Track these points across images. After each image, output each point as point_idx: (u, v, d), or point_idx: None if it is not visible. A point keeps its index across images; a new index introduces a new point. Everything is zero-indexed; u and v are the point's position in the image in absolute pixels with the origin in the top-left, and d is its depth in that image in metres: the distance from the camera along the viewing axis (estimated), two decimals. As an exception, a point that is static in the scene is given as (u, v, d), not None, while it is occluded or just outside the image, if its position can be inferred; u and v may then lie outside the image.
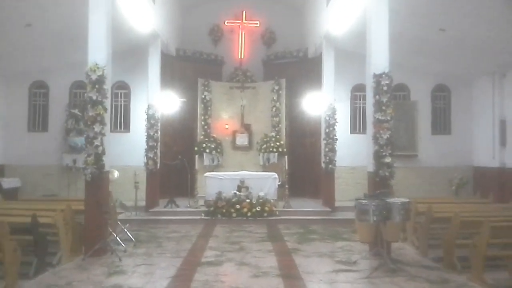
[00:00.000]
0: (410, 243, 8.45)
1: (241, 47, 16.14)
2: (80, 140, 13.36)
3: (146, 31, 11.27)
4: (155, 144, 11.98)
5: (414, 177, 13.82)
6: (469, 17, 9.84)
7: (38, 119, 14.10)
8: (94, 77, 7.41)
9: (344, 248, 8.34)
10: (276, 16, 16.09)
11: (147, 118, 11.96)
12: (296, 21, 15.91)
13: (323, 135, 12.25)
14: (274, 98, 14.57)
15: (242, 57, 15.99)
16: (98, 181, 7.49)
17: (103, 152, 7.47)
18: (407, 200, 6.59)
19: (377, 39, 7.75)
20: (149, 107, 11.99)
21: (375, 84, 7.53)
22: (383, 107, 7.45)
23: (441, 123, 14.46)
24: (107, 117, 7.65)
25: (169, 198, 11.90)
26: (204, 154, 14.03)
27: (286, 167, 12.19)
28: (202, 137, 14.35)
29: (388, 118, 7.45)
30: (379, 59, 7.68)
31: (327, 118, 12.05)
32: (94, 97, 7.38)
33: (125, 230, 8.58)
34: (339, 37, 11.77)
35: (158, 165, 12.13)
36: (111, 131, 14.03)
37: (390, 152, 7.42)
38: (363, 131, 14.26)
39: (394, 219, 6.45)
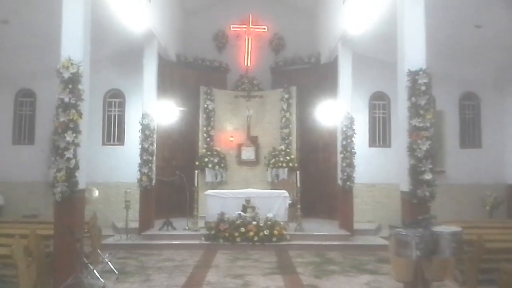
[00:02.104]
0: (450, 277, 6.92)
1: (247, 54, 14.88)
2: (69, 154, 12.09)
3: (140, 30, 9.97)
4: (150, 158, 10.60)
5: (441, 196, 12.09)
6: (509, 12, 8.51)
7: (24, 130, 12.81)
8: (66, 75, 6.11)
9: (372, 284, 6.85)
10: (285, 20, 14.83)
11: (141, 129, 10.61)
12: (307, 25, 14.62)
13: (339, 148, 10.82)
14: (284, 107, 13.20)
15: (249, 64, 14.71)
16: (70, 202, 6.11)
17: (76, 167, 6.11)
18: (459, 229, 5.10)
19: (412, 28, 6.40)
20: (143, 116, 10.65)
21: (411, 84, 6.15)
22: (421, 111, 6.05)
23: (470, 135, 12.98)
24: (82, 124, 6.31)
25: (165, 219, 10.48)
26: (206, 169, 12.67)
27: (298, 184, 10.73)
28: (204, 150, 12.98)
29: (428, 125, 6.05)
30: (414, 53, 6.33)
31: (344, 129, 10.64)
32: (67, 99, 6.07)
33: (107, 260, 7.13)
34: (356, 39, 10.43)
35: (154, 181, 10.74)
36: (103, 144, 13.26)
37: (430, 167, 5.97)
38: (383, 144, 12.95)
39: (443, 253, 4.96)
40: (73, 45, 6.31)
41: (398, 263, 5.46)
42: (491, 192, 11.96)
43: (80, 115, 6.16)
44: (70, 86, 6.08)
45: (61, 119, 6.03)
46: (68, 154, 6.01)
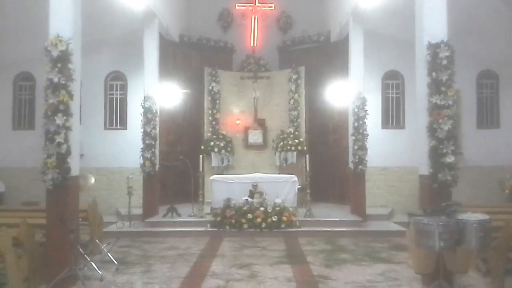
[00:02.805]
0: (473, 267, 6.44)
1: (253, 33, 14.23)
2: (70, 139, 11.71)
3: (139, 9, 9.48)
4: (153, 143, 10.17)
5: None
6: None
7: (24, 115, 12.48)
8: (55, 53, 5.62)
9: (387, 275, 6.38)
10: (293, -3, 14.16)
11: (143, 112, 10.16)
12: (316, 1, 13.90)
13: (351, 130, 10.28)
14: (292, 88, 12.64)
15: (255, 44, 14.08)
16: (62, 190, 5.69)
17: (68, 152, 5.67)
18: (486, 217, 4.60)
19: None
20: (145, 99, 10.19)
21: (431, 58, 5.58)
22: (442, 88, 5.49)
23: (488, 115, 12.35)
24: (74, 106, 5.84)
25: (170, 205, 10.10)
26: (212, 153, 12.19)
27: (307, 168, 10.23)
28: (209, 134, 12.51)
29: (450, 102, 5.50)
30: (434, 24, 5.74)
31: (356, 110, 10.08)
32: (56, 79, 5.58)
33: (105, 250, 6.74)
34: (368, 13, 9.83)
35: (157, 167, 10.33)
36: (105, 128, 12.86)
37: (452, 148, 5.44)
38: (397, 125, 12.38)
39: (469, 244, 4.49)
40: (61, 21, 5.82)
41: (418, 254, 5.01)
42: (510, 175, 11.37)
43: (71, 96, 5.68)
44: (59, 65, 5.60)
45: (51, 101, 5.56)
46: (59, 138, 5.56)
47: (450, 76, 5.51)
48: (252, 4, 14.21)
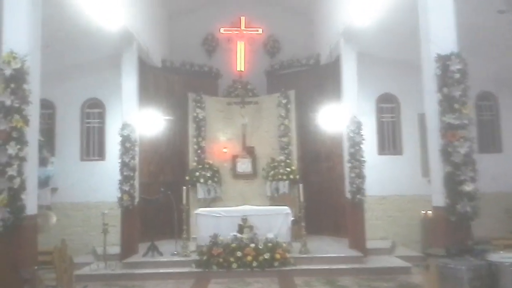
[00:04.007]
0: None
1: (240, 58, 13.65)
2: (44, 172, 10.82)
3: (116, 29, 8.78)
4: (132, 174, 9.30)
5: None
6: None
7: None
8: (8, 71, 4.83)
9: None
10: (280, 21, 13.69)
11: (121, 141, 9.33)
12: (304, 25, 13.46)
13: (346, 157, 9.54)
14: (282, 114, 11.95)
15: (242, 69, 13.48)
16: (14, 232, 4.79)
17: (22, 187, 4.81)
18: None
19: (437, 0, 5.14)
20: (123, 126, 9.38)
21: (441, 71, 4.93)
22: (456, 105, 4.79)
23: (489, 139, 11.72)
24: (31, 132, 5.01)
25: (151, 243, 9.15)
26: (198, 184, 11.36)
27: (301, 199, 9.41)
28: (195, 164, 11.68)
29: (465, 121, 4.79)
30: (442, 33, 5.10)
31: (351, 135, 9.37)
32: (8, 102, 4.78)
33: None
34: (360, 33, 9.27)
35: (136, 200, 9.42)
36: (81, 159, 11.93)
37: (472, 175, 4.70)
38: (394, 151, 11.68)
39: (505, 291, 3.69)
40: (16, 34, 5.04)
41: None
42: (515, 202, 10.68)
43: (26, 121, 4.88)
44: (12, 85, 4.81)
45: (1, 127, 4.73)
46: (11, 171, 4.72)
47: (463, 91, 4.85)
48: (238, 29, 13.68)
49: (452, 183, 4.78)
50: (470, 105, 4.97)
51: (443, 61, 4.94)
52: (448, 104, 4.85)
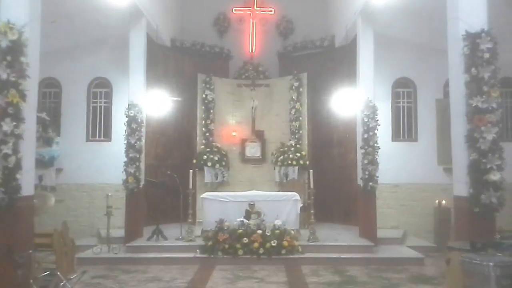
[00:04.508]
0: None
1: (252, 39, 13.23)
2: (48, 152, 10.66)
3: (124, 4, 8.48)
4: (138, 156, 9.04)
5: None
6: None
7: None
8: (4, 43, 4.54)
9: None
10: (293, 0, 13.18)
11: (127, 122, 9.05)
12: (318, 4, 12.89)
13: (359, 143, 9.16)
14: (293, 97, 11.57)
15: (254, 51, 13.08)
16: (9, 214, 4.55)
17: (18, 166, 4.54)
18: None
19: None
20: (129, 106, 9.09)
21: (470, 50, 4.52)
22: (485, 88, 4.41)
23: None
24: (28, 109, 4.74)
25: (156, 227, 8.92)
26: (205, 168, 11.10)
27: (311, 185, 9.10)
28: (202, 147, 11.40)
29: (494, 105, 4.41)
30: (472, 10, 4.67)
31: (366, 120, 8.97)
32: (4, 76, 4.49)
33: (68, 286, 5.53)
34: (378, 12, 8.86)
35: (142, 183, 9.18)
36: (87, 140, 11.68)
37: (498, 163, 4.34)
38: (408, 137, 11.27)
39: (536, 291, 3.35)
40: (14, 4, 4.73)
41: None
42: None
43: (23, 97, 4.60)
44: (8, 58, 4.51)
45: (-3, 102, 4.46)
46: (6, 149, 4.45)
47: (493, 73, 4.45)
48: (250, 8, 13.25)
49: (477, 171, 4.43)
50: (499, 87, 4.55)
51: (473, 39, 4.53)
52: (476, 86, 4.46)
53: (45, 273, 5.47)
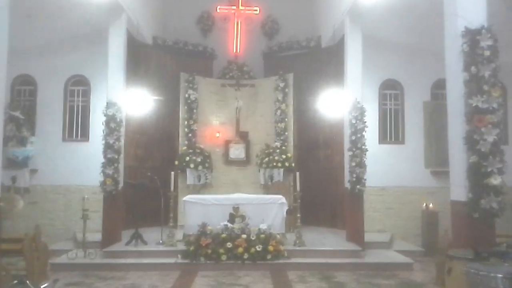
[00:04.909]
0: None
1: (236, 39, 12.88)
2: (22, 152, 10.17)
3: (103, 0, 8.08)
4: (116, 157, 8.63)
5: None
6: None
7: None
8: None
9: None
10: (279, 1, 12.92)
11: (105, 121, 8.65)
12: (304, 4, 12.64)
13: (347, 145, 8.94)
14: (279, 98, 11.31)
15: (238, 50, 12.75)
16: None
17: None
18: None
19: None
20: (108, 105, 8.70)
21: (469, 47, 4.32)
22: (485, 87, 4.20)
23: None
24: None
25: (134, 231, 8.52)
26: (188, 170, 10.74)
27: (298, 188, 8.83)
28: (185, 148, 11.03)
29: (495, 106, 4.20)
30: (472, 5, 4.45)
31: (353, 122, 8.76)
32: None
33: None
34: (366, 13, 8.67)
35: (120, 185, 8.78)
36: (63, 140, 11.17)
37: (499, 166, 4.12)
38: (395, 140, 11.11)
39: (546, 304, 3.12)
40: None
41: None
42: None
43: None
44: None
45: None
46: (-32, 147, 4.03)
47: (494, 71, 4.23)
48: (235, 7, 12.90)
49: (476, 175, 4.21)
50: (500, 86, 4.35)
51: (472, 35, 4.32)
52: (476, 85, 4.25)
53: (13, 282, 5.04)
